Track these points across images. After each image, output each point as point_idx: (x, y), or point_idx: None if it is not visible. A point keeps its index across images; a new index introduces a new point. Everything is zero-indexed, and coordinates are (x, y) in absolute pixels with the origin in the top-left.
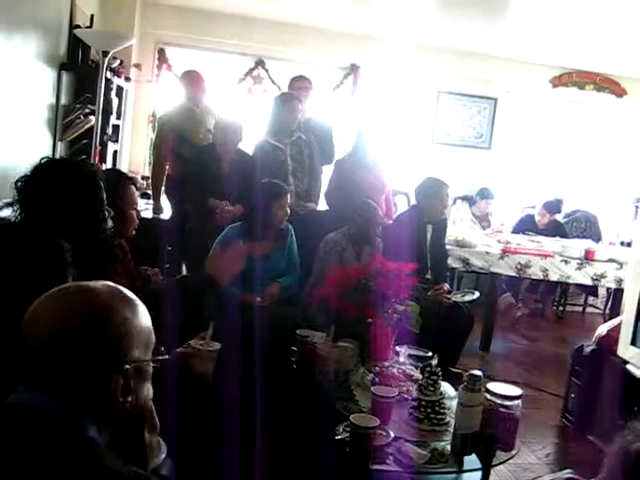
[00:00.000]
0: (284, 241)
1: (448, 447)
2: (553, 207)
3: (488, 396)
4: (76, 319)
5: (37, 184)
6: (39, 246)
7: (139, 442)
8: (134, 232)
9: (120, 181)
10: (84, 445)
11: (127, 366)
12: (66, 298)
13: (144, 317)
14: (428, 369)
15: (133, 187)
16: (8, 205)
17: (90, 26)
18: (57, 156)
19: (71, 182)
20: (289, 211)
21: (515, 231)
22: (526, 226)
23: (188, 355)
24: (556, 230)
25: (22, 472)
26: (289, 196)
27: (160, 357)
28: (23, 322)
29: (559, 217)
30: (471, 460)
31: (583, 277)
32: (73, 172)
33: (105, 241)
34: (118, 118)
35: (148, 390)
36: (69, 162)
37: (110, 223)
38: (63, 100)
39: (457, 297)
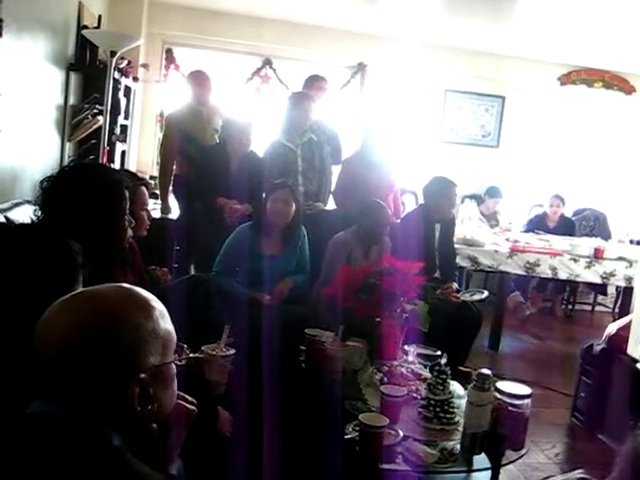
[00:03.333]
0: (295, 243)
1: (457, 446)
2: (561, 198)
3: (497, 395)
4: (86, 331)
5: (62, 186)
6: (49, 247)
7: (162, 446)
8: (145, 233)
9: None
10: (111, 454)
11: (142, 375)
12: (75, 309)
13: (161, 319)
14: (437, 368)
15: (143, 188)
16: (18, 205)
17: (98, 27)
18: (66, 157)
19: (95, 187)
20: (293, 208)
21: (526, 231)
22: (536, 226)
23: (201, 361)
24: (566, 228)
25: None
26: (293, 192)
27: (181, 358)
28: (34, 334)
29: (568, 213)
30: (480, 459)
31: (592, 275)
32: (98, 177)
33: (120, 246)
34: (126, 118)
35: (172, 394)
36: (96, 167)
37: (130, 232)
38: (71, 100)
39: (466, 296)
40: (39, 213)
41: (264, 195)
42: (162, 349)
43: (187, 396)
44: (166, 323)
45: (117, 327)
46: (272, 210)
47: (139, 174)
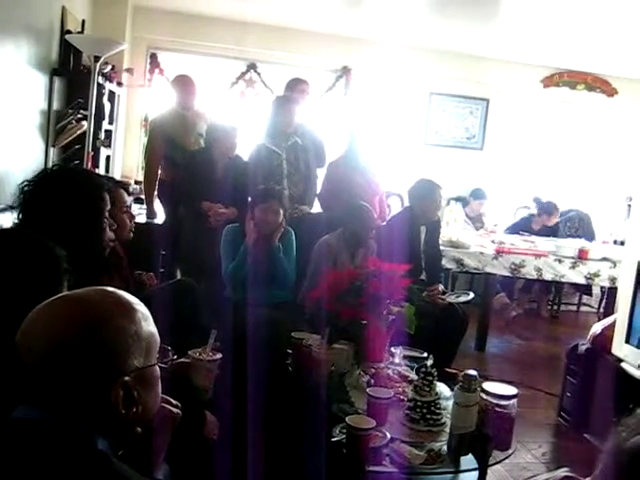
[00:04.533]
0: (278, 247)
1: (444, 447)
2: (551, 208)
3: (484, 396)
4: (68, 335)
5: (42, 191)
6: (33, 252)
7: (147, 450)
8: (131, 235)
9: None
10: (96, 459)
11: (126, 378)
12: (57, 312)
13: (144, 322)
14: (423, 370)
15: (122, 190)
16: (1, 211)
17: (81, 31)
18: (50, 162)
19: (77, 191)
20: (282, 215)
21: (511, 233)
22: (521, 228)
23: (188, 366)
24: (550, 230)
25: None
26: (281, 201)
27: (165, 360)
28: (17, 338)
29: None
30: (468, 460)
31: (577, 276)
32: (80, 181)
33: (103, 249)
34: (110, 123)
35: (156, 396)
36: (77, 171)
37: (112, 235)
38: (55, 105)
39: (452, 298)
40: (21, 218)
41: (250, 201)
42: (145, 351)
43: (172, 399)
44: (149, 325)
45: (100, 330)
46: (261, 220)
47: (123, 179)
